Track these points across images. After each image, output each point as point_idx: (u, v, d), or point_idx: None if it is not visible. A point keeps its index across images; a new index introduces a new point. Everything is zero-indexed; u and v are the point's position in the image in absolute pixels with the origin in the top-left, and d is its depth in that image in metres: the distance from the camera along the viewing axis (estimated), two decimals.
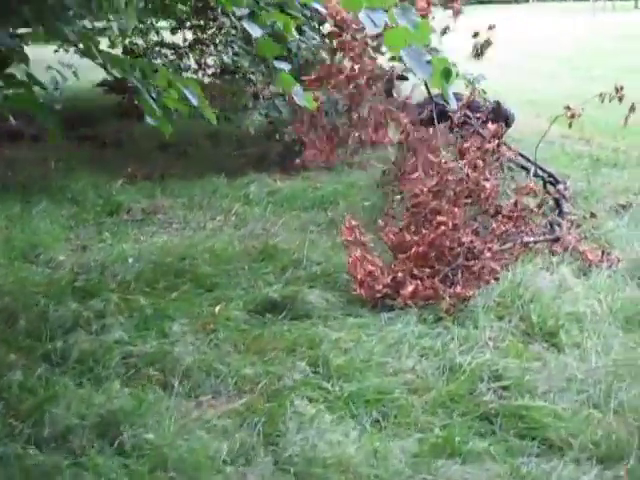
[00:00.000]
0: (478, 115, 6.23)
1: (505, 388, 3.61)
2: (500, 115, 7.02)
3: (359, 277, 4.45)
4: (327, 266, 5.01)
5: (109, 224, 6.23)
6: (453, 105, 3.31)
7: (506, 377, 3.67)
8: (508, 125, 7.08)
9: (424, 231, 4.63)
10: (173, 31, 11.79)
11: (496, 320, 4.29)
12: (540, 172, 6.57)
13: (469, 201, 4.88)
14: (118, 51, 12.11)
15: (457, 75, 8.19)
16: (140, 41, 12.44)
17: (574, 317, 4.30)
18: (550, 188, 6.38)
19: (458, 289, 4.39)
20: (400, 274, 4.47)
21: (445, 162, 4.94)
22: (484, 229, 4.96)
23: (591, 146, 8.86)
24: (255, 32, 3.90)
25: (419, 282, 4.43)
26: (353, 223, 4.74)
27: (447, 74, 3.19)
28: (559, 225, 5.67)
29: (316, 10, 5.63)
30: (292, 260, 5.13)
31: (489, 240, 4.74)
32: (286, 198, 6.76)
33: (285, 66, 4.01)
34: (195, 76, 11.58)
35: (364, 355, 3.89)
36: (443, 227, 4.55)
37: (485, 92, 8.26)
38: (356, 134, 6.85)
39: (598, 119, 10.46)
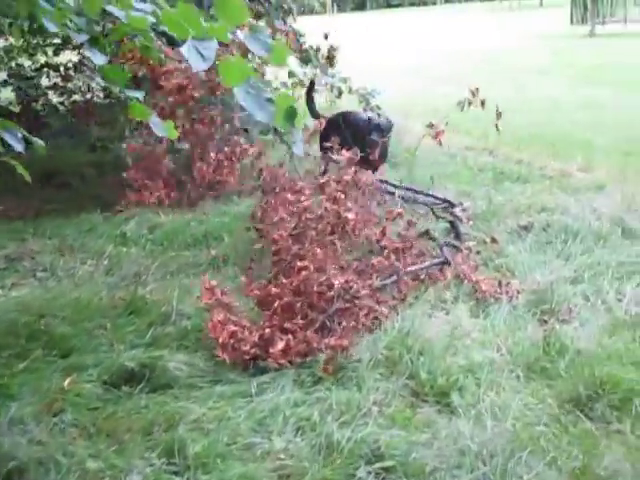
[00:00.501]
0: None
1: (389, 470, 3.12)
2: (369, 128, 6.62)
3: (221, 340, 3.92)
4: (198, 321, 4.44)
5: None
6: (299, 151, 2.79)
7: (390, 455, 3.17)
8: (384, 137, 6.63)
9: (284, 280, 4.18)
10: (56, 52, 11.20)
11: (383, 379, 3.80)
12: (432, 198, 6.19)
13: (334, 237, 4.43)
14: (3, 75, 11.46)
15: (350, 91, 7.87)
16: (27, 62, 11.87)
17: (469, 370, 3.84)
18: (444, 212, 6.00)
19: (333, 340, 3.91)
20: (268, 330, 3.97)
21: (303, 200, 4.49)
22: (367, 267, 4.55)
23: (495, 157, 8.58)
24: (97, 59, 3.39)
25: (290, 337, 3.93)
26: (212, 284, 4.23)
27: (291, 114, 2.70)
28: (455, 247, 5.32)
29: None
30: (160, 314, 4.56)
31: (367, 277, 4.30)
32: (167, 235, 6.18)
33: (138, 94, 3.51)
34: (83, 98, 11.01)
35: (229, 436, 3.34)
36: (304, 272, 4.13)
37: (380, 107, 7.87)
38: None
39: (505, 127, 10.18)
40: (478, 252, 5.47)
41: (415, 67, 18.07)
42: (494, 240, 5.56)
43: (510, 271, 5.17)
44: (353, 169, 4.87)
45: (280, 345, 3.87)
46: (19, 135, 3.20)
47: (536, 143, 9.14)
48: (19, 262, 5.84)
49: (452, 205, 6.23)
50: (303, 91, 8.19)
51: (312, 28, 9.36)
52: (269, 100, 2.61)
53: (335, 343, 3.91)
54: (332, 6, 63.71)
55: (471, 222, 5.94)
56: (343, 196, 4.54)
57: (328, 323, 4.10)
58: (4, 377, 3.95)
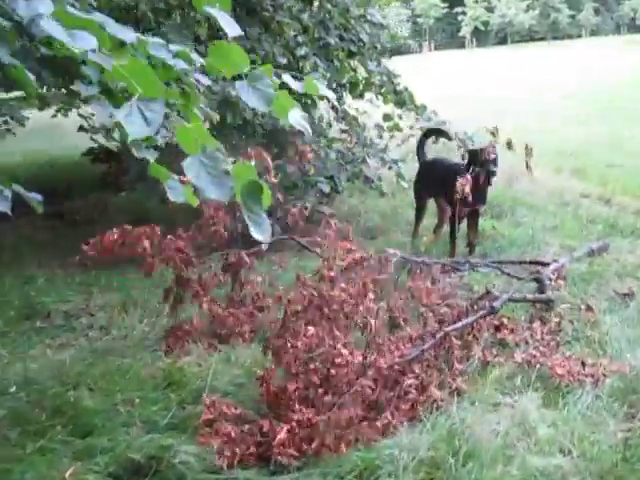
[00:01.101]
0: None
1: None
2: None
3: (216, 446, 3.42)
4: (232, 398, 3.99)
5: (14, 335, 5.27)
6: (264, 238, 2.15)
7: None
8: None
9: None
10: None
11: None
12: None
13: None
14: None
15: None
16: None
17: None
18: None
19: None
20: (266, 422, 3.49)
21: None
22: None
23: (610, 207, 7.77)
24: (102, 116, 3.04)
25: (294, 423, 3.42)
26: (212, 400, 3.72)
27: (254, 190, 2.19)
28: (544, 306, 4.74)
29: None
30: (193, 390, 4.12)
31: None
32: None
33: (150, 155, 3.10)
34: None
35: None
36: (292, 350, 3.74)
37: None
38: None
39: (626, 172, 9.38)
40: (571, 322, 4.81)
41: (543, 107, 17.23)
42: (589, 308, 4.89)
43: (602, 347, 4.47)
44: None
45: (282, 434, 3.36)
46: (6, 193, 2.84)
47: None
48: (76, 319, 5.55)
49: (544, 265, 5.65)
50: (399, 136, 7.71)
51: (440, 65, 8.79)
52: (226, 173, 2.12)
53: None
54: (471, 41, 63.02)
55: (561, 284, 5.29)
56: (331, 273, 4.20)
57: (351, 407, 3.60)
58: (12, 460, 3.59)
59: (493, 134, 5.88)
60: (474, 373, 4.15)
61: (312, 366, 3.71)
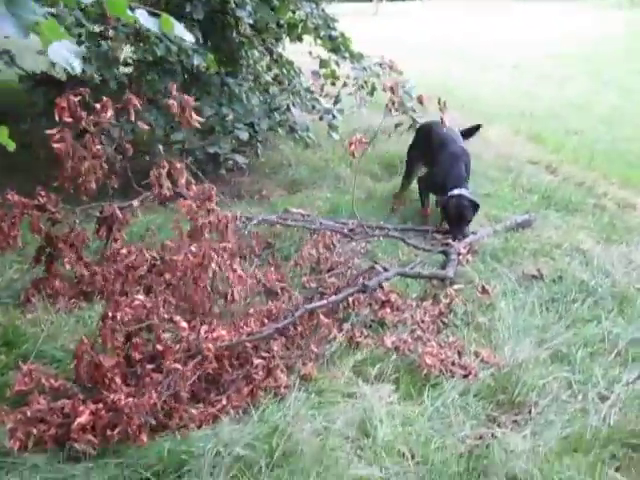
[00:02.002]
0: None
1: None
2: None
3: (9, 425, 2.98)
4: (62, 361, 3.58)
5: None
6: None
7: None
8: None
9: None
10: None
11: None
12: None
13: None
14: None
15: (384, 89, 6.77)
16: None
17: None
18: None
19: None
20: (68, 402, 3.05)
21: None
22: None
23: (555, 176, 7.26)
24: None
25: (100, 405, 3.01)
26: (31, 367, 3.24)
27: None
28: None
29: None
30: (22, 353, 3.68)
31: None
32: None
33: None
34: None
35: None
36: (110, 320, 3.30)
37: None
38: None
39: (583, 140, 8.89)
40: (464, 303, 4.39)
41: (522, 64, 16.59)
42: (484, 290, 4.47)
43: (488, 336, 4.05)
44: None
45: (83, 418, 2.94)
46: None
47: (617, 163, 7.73)
48: None
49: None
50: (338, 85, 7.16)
51: None
52: None
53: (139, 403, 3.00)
54: None
55: (469, 259, 4.90)
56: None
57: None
58: None
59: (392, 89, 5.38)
60: (335, 356, 3.72)
61: (135, 341, 3.30)
